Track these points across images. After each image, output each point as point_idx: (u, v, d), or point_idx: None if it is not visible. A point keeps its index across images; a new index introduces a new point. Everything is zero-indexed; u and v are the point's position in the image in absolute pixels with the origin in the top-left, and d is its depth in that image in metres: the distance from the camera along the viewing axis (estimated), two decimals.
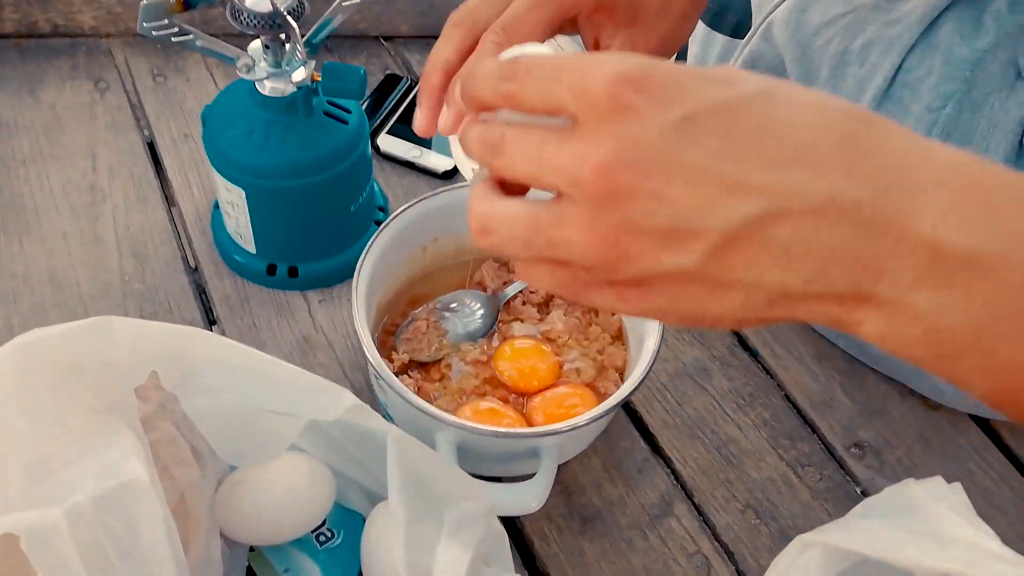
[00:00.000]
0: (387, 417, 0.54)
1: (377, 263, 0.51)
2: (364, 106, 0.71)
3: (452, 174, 0.68)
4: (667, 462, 0.55)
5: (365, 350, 0.47)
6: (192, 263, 0.61)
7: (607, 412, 0.47)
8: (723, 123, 0.26)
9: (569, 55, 0.27)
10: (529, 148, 0.27)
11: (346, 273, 0.59)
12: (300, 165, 0.52)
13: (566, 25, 0.40)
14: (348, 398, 0.40)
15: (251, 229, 0.56)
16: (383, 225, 0.52)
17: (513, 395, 0.52)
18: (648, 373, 0.48)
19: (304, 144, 0.52)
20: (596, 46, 0.43)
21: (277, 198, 0.53)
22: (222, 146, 0.53)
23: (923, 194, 0.26)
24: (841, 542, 0.28)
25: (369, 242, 0.51)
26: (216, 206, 0.61)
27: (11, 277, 0.58)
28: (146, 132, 0.68)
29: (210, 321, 0.58)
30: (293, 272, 0.58)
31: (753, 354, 0.61)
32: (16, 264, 0.59)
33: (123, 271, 0.59)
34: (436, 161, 0.68)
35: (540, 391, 0.52)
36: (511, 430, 0.45)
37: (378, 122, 0.70)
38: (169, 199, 0.64)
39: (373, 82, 0.74)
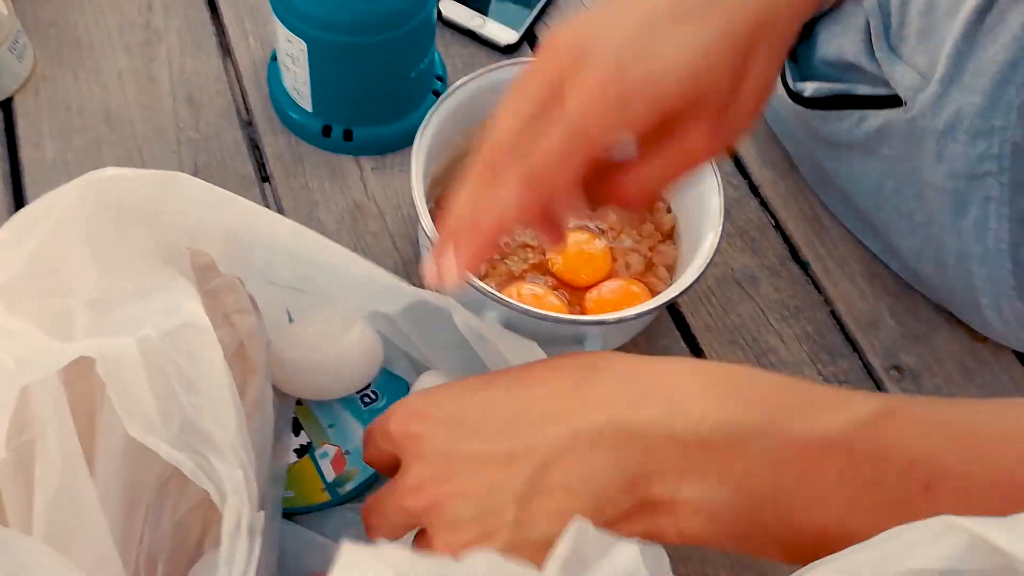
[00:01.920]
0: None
1: (435, 134, 0.50)
2: None
3: (515, 48, 0.65)
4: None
5: (421, 222, 0.46)
6: (246, 116, 0.60)
7: (655, 309, 0.46)
8: (484, 414, 0.32)
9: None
10: (378, 507, 0.34)
11: (400, 141, 0.58)
12: (368, 20, 0.50)
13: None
14: (409, 293, 0.40)
15: (309, 86, 0.54)
16: (445, 95, 0.50)
17: (559, 285, 0.52)
18: (702, 275, 0.47)
19: None
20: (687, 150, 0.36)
21: (340, 54, 0.52)
22: None
23: (648, 399, 0.31)
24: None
25: (430, 111, 0.50)
26: (273, 59, 0.59)
27: (66, 110, 0.57)
28: None
29: (263, 177, 0.57)
30: (348, 135, 0.57)
31: (803, 266, 0.60)
32: (71, 98, 0.58)
33: (177, 116, 0.58)
34: (498, 32, 0.65)
35: (588, 285, 0.52)
36: (562, 315, 0.45)
37: None
38: (225, 47, 0.62)
39: None
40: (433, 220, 0.51)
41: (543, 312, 0.45)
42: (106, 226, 0.35)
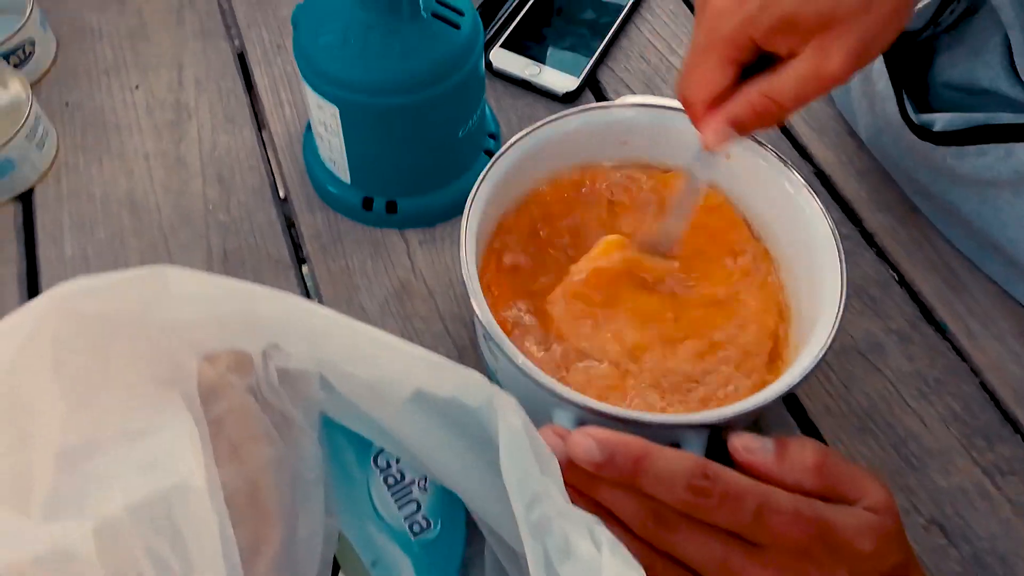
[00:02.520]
0: (495, 382, 0.46)
1: (489, 200, 0.43)
2: None
3: (574, 96, 0.58)
4: None
5: (474, 307, 0.39)
6: (282, 193, 0.54)
7: (764, 404, 0.37)
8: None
9: (761, 488, 0.31)
10: (712, 548, 0.31)
11: (451, 210, 0.51)
12: (403, 78, 0.43)
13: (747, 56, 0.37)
14: (481, 389, 0.32)
15: (345, 155, 0.48)
16: (498, 155, 0.43)
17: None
18: (822, 358, 0.38)
19: (408, 52, 0.43)
20: (789, 55, 0.36)
21: (375, 118, 0.45)
22: (314, 55, 0.44)
23: None
24: None
25: (481, 175, 0.42)
26: (309, 128, 0.53)
27: (89, 200, 0.53)
28: (236, 42, 0.61)
29: (299, 260, 0.51)
30: (391, 207, 0.50)
31: (941, 329, 0.49)
32: (95, 186, 0.53)
33: (207, 198, 0.53)
34: (556, 80, 0.58)
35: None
36: (645, 416, 0.37)
37: (491, 34, 0.60)
38: (259, 119, 0.57)
39: None
40: (486, 292, 0.43)
41: (625, 413, 0.37)
42: (80, 350, 0.28)
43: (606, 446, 0.32)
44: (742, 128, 0.37)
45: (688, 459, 0.31)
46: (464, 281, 0.39)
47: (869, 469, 0.44)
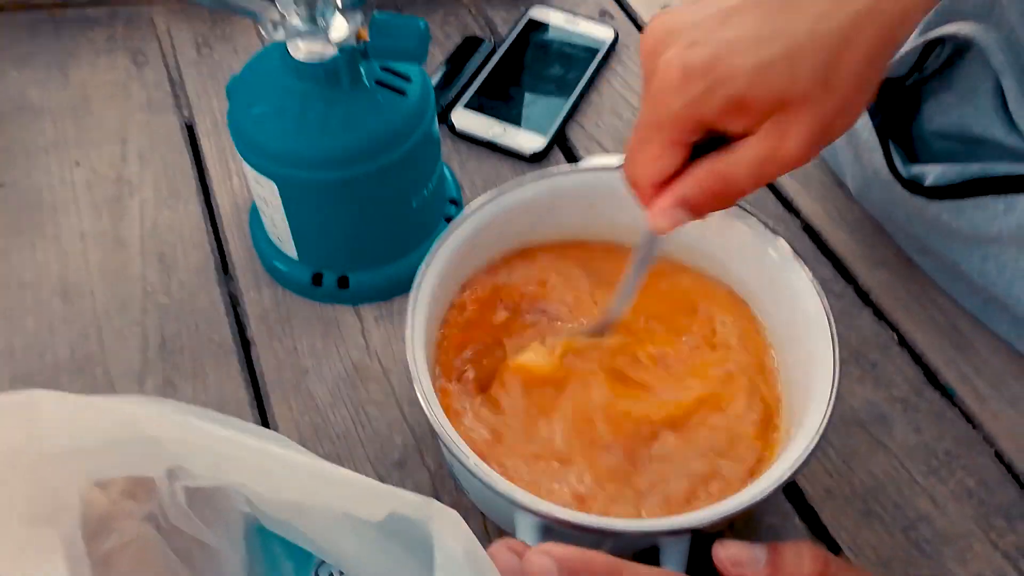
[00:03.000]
0: (455, 480, 0.42)
1: (445, 273, 0.39)
2: (437, 77, 0.58)
3: (542, 156, 0.55)
4: (832, 548, 0.40)
5: (420, 399, 0.35)
6: (227, 271, 0.50)
7: (758, 500, 0.33)
8: None
9: None
10: None
11: (408, 283, 0.46)
12: (344, 151, 0.40)
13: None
14: (417, 510, 0.28)
15: (289, 231, 0.44)
16: (454, 223, 0.39)
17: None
18: (820, 440, 0.33)
19: (349, 123, 0.40)
20: (744, 133, 0.32)
21: (317, 193, 0.42)
22: (247, 127, 0.41)
23: None
24: None
25: (434, 246, 0.39)
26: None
27: (19, 287, 0.49)
28: (185, 113, 0.58)
29: (243, 342, 0.47)
30: (343, 282, 0.47)
31: (948, 394, 0.45)
32: (26, 272, 0.50)
33: (146, 280, 0.49)
34: (522, 140, 0.55)
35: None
36: (618, 524, 0.32)
37: (453, 94, 0.57)
38: (206, 191, 0.54)
39: (449, 47, 0.61)
40: (445, 376, 0.39)
41: (594, 522, 0.32)
42: None
43: (567, 565, 0.27)
44: (694, 210, 0.34)
45: None
46: (408, 364, 0.35)
47: (878, 571, 0.39)
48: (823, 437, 0.34)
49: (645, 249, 0.37)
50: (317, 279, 0.47)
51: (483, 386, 0.40)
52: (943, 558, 0.40)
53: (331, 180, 0.40)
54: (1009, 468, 0.42)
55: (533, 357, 0.39)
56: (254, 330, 0.47)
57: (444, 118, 0.56)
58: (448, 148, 0.55)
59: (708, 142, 0.33)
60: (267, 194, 0.43)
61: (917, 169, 0.44)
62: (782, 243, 0.39)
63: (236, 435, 0.29)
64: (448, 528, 0.28)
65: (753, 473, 0.37)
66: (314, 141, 0.40)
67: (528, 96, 0.58)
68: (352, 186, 0.41)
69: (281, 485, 0.29)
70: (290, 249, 0.46)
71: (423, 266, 0.38)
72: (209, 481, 0.30)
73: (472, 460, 0.33)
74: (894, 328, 0.47)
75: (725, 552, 0.29)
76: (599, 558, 0.27)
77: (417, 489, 0.42)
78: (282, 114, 0.40)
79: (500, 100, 0.57)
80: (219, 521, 0.33)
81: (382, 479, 0.42)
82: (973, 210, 0.41)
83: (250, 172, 0.43)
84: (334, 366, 0.46)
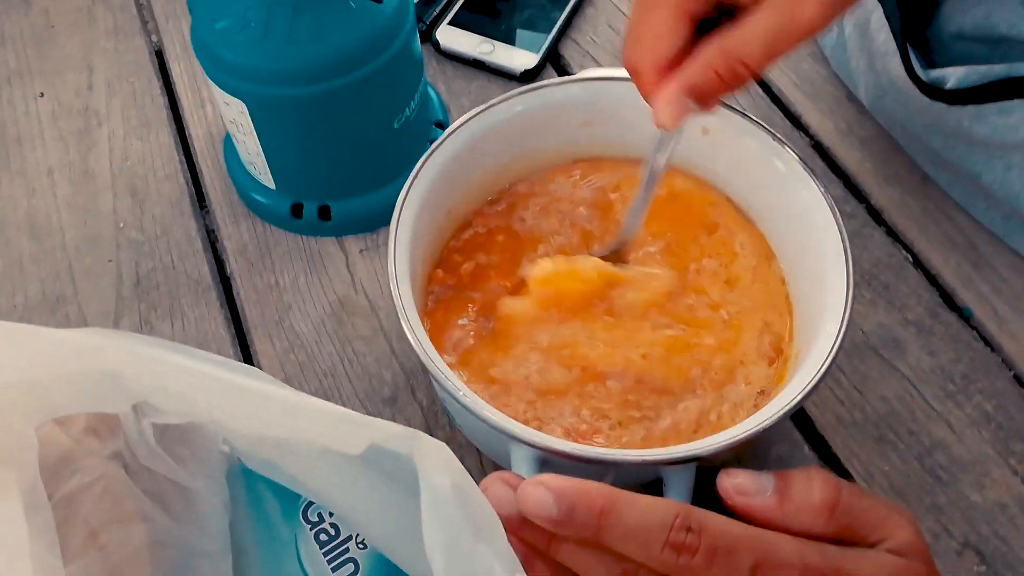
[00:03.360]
0: (448, 416, 0.40)
1: (428, 197, 0.36)
2: None
3: (534, 74, 0.51)
4: (845, 476, 0.38)
5: (406, 331, 0.32)
6: (203, 204, 0.47)
7: (761, 429, 0.30)
8: None
9: (759, 537, 0.25)
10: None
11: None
12: (315, 64, 0.37)
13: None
14: (401, 442, 0.26)
15: (264, 157, 0.42)
16: (437, 143, 0.37)
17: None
18: (828, 368, 0.31)
19: (319, 35, 0.37)
20: (753, 2, 0.29)
21: (288, 112, 0.39)
22: (211, 42, 0.38)
23: None
24: None
25: (416, 167, 0.36)
26: None
27: None
28: (154, 37, 0.55)
29: (222, 278, 0.45)
30: (324, 213, 0.44)
31: (964, 315, 0.43)
32: None
33: (117, 215, 0.47)
34: (512, 58, 0.51)
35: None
36: (618, 455, 0.30)
37: (437, 11, 0.54)
38: (178, 120, 0.51)
39: None
40: (428, 317, 0.37)
41: (594, 451, 0.30)
42: None
43: (564, 497, 0.25)
44: (702, 97, 0.31)
45: (665, 509, 0.25)
46: (392, 295, 0.33)
47: (892, 499, 0.37)
48: (834, 362, 0.31)
49: (655, 156, 0.34)
50: (297, 210, 0.44)
51: (478, 316, 0.37)
52: (960, 485, 0.38)
53: (302, 96, 0.37)
54: None
55: (557, 267, 0.36)
56: (233, 265, 0.45)
57: (428, 36, 0.52)
58: (433, 68, 0.52)
59: (712, 20, 0.30)
60: (237, 116, 0.40)
61: (937, 73, 0.41)
62: (788, 151, 0.36)
63: (207, 367, 0.27)
64: (435, 461, 0.26)
65: (760, 402, 0.35)
66: (281, 54, 0.37)
67: (518, 11, 0.54)
68: (325, 103, 0.38)
69: (256, 420, 0.27)
70: (267, 179, 0.44)
71: (404, 189, 0.35)
72: (179, 417, 0.29)
73: (463, 392, 0.31)
74: (908, 248, 0.45)
75: (730, 481, 0.27)
76: (598, 489, 0.25)
77: (409, 425, 0.39)
78: (246, 27, 0.37)
79: (488, 16, 0.53)
80: (195, 460, 0.31)
81: (372, 416, 0.40)
82: (997, 115, 0.38)
83: (218, 93, 0.40)
84: (318, 301, 0.43)
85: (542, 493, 0.26)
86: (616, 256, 0.38)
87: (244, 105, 0.39)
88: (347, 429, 0.26)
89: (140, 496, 0.27)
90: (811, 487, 0.27)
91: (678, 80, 0.30)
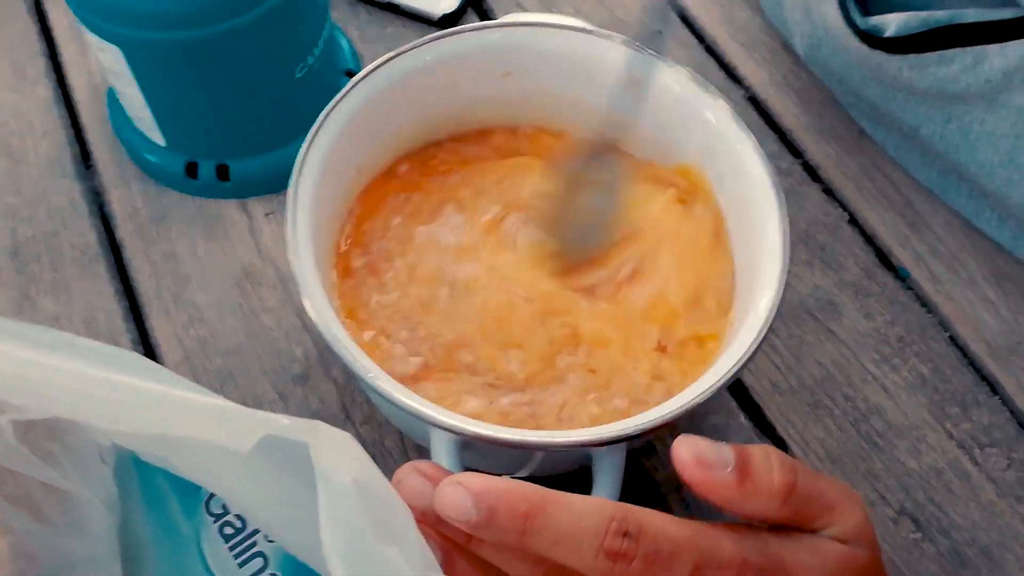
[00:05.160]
0: (365, 394, 0.37)
1: (331, 153, 0.33)
2: None
3: (454, 19, 0.47)
4: (780, 445, 0.37)
5: (306, 306, 0.29)
6: (87, 163, 0.43)
7: (699, 401, 0.29)
8: None
9: (698, 537, 0.24)
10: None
11: None
12: (197, 4, 0.33)
13: None
14: (296, 435, 0.23)
15: (149, 110, 0.37)
16: (342, 92, 0.33)
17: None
18: (763, 340, 0.29)
19: None
20: None
21: (171, 59, 0.34)
22: None
23: None
24: None
25: (319, 120, 0.32)
26: None
27: None
28: None
29: (112, 247, 0.40)
30: (223, 172, 0.40)
31: (900, 276, 0.42)
32: None
33: None
34: (431, 2, 0.47)
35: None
36: (542, 437, 0.28)
37: None
38: (58, 71, 0.45)
39: None
40: (336, 285, 0.33)
41: (514, 434, 0.28)
42: None
43: (484, 500, 0.23)
44: None
45: (599, 511, 0.23)
46: (293, 269, 0.29)
47: (828, 467, 0.36)
48: (770, 328, 0.29)
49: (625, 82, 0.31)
50: (192, 169, 0.40)
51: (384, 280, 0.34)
52: (896, 451, 0.37)
53: (185, 41, 0.33)
54: (964, 352, 0.40)
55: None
56: (123, 232, 0.40)
57: None
58: (343, 12, 0.48)
59: None
60: (115, 65, 0.35)
61: (875, 20, 0.39)
62: (720, 102, 0.34)
63: (67, 362, 0.23)
64: (333, 453, 0.23)
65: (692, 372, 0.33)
66: None
67: None
68: (213, 49, 0.34)
69: (132, 418, 0.24)
70: (156, 135, 0.39)
71: (304, 145, 0.32)
72: (41, 413, 0.25)
73: (373, 375, 0.28)
74: (844, 206, 0.43)
75: (689, 449, 0.25)
76: (523, 489, 0.23)
77: (323, 405, 0.37)
78: None
79: None
80: (69, 457, 0.28)
81: (282, 396, 0.37)
82: (938, 64, 0.37)
83: (91, 38, 0.35)
84: (220, 271, 0.40)
85: (460, 494, 0.23)
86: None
87: (120, 51, 0.34)
88: (234, 425, 0.23)
89: (0, 504, 0.23)
90: (771, 470, 0.25)
91: None
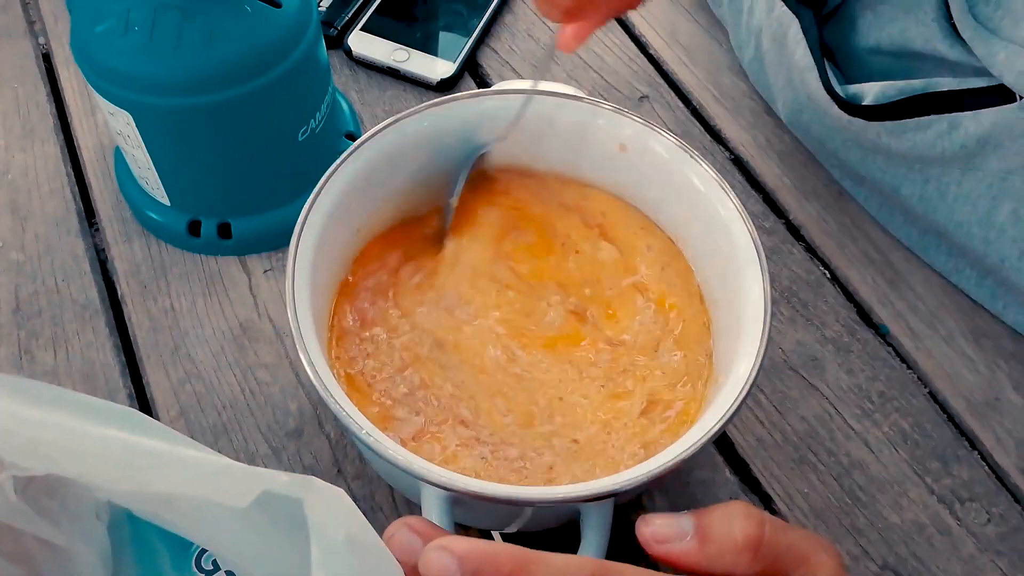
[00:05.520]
0: (358, 450, 0.37)
1: (333, 215, 0.34)
2: None
3: (451, 84, 0.49)
4: (764, 500, 0.38)
5: (303, 360, 0.30)
6: (91, 221, 0.44)
7: (684, 456, 0.29)
8: None
9: None
10: None
11: None
12: (206, 72, 0.34)
13: None
14: (289, 491, 0.23)
15: (155, 171, 0.39)
16: (343, 157, 0.34)
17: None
18: (745, 397, 0.30)
19: (211, 40, 0.34)
20: None
21: (179, 124, 0.36)
22: (92, 46, 0.35)
23: None
24: None
25: (319, 184, 0.34)
26: None
27: None
28: (41, 39, 0.51)
29: (112, 302, 0.41)
30: (224, 231, 0.41)
31: (880, 332, 0.43)
32: None
33: None
34: (428, 66, 0.49)
35: None
36: (531, 493, 0.29)
37: (350, 15, 0.51)
38: (66, 130, 0.47)
39: None
40: (335, 345, 0.34)
41: (502, 490, 0.28)
42: None
43: (468, 562, 0.24)
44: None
45: (578, 568, 0.23)
46: (291, 327, 0.30)
47: (812, 522, 0.37)
48: (754, 384, 0.30)
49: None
50: (194, 227, 0.41)
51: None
52: (878, 505, 0.38)
53: (192, 107, 0.35)
54: (943, 408, 0.41)
55: None
56: (124, 288, 0.42)
57: (340, 42, 0.50)
58: (345, 76, 0.49)
59: None
60: (124, 128, 0.37)
61: (854, 89, 0.41)
62: (704, 167, 0.35)
63: (67, 418, 0.24)
64: (327, 509, 0.24)
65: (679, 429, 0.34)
66: (168, 61, 0.34)
67: (434, 17, 0.52)
68: (219, 115, 0.35)
69: (129, 476, 0.25)
70: (160, 194, 0.40)
71: (306, 206, 0.33)
72: (41, 470, 0.26)
73: (366, 431, 0.29)
74: (826, 264, 0.45)
75: (648, 529, 0.26)
76: (506, 551, 0.24)
77: (316, 460, 0.37)
78: (130, 30, 0.34)
79: (403, 21, 0.51)
80: (67, 513, 0.28)
81: (276, 451, 0.37)
82: (915, 130, 0.38)
83: (102, 102, 0.36)
84: (218, 326, 0.41)
85: (444, 558, 0.24)
86: None
87: (130, 116, 0.36)
88: (231, 481, 0.24)
89: None
90: (732, 525, 0.26)
91: None
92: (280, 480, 0.24)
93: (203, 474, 0.24)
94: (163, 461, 0.23)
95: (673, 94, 0.51)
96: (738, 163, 0.48)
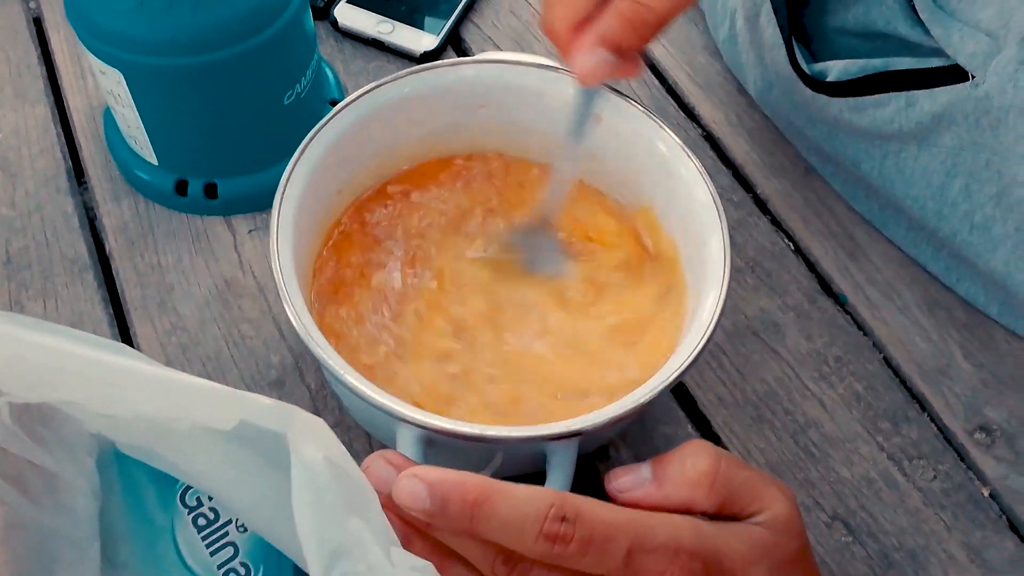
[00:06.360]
0: (337, 399, 0.39)
1: (315, 176, 0.36)
2: None
3: (434, 56, 0.51)
4: None
5: (288, 313, 0.32)
6: (81, 179, 0.45)
7: (645, 400, 0.31)
8: None
9: (632, 522, 0.26)
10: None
11: None
12: (196, 33, 0.36)
13: None
14: (272, 416, 0.25)
15: (144, 130, 0.40)
16: (324, 120, 0.36)
17: None
18: (705, 345, 0.32)
19: (200, 2, 0.35)
20: None
21: (168, 83, 0.37)
22: (85, 6, 0.36)
23: None
24: None
25: (302, 145, 0.35)
26: None
27: None
28: (31, 3, 0.52)
29: (101, 258, 0.43)
30: (211, 191, 0.43)
31: (839, 301, 0.45)
32: None
33: None
34: (412, 38, 0.51)
35: None
36: (499, 431, 0.30)
37: None
38: (57, 92, 0.48)
39: None
40: (317, 300, 0.36)
41: (476, 430, 0.30)
42: None
43: (437, 490, 0.25)
44: (615, 45, 0.32)
45: (540, 498, 0.25)
46: (275, 278, 0.32)
47: (770, 473, 0.39)
48: (710, 341, 0.32)
49: (577, 120, 0.35)
50: (181, 187, 0.43)
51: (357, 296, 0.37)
52: (831, 461, 0.40)
53: (182, 67, 0.36)
54: (896, 372, 0.43)
55: None
56: (112, 244, 0.43)
57: (327, 14, 0.51)
58: (331, 47, 0.51)
59: None
60: (114, 87, 0.38)
61: (820, 66, 0.42)
62: (668, 134, 0.37)
63: (62, 343, 0.26)
64: (308, 435, 0.25)
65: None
66: (160, 21, 0.35)
67: None
68: (207, 76, 0.37)
69: (121, 398, 0.26)
70: (149, 154, 0.42)
71: (289, 166, 0.34)
72: (35, 397, 0.27)
73: (346, 372, 0.31)
74: (790, 237, 0.47)
75: (614, 484, 0.29)
76: (473, 480, 0.26)
77: None
78: None
79: None
80: (59, 443, 0.30)
81: None
82: (874, 107, 0.40)
83: (94, 61, 0.38)
84: (203, 282, 0.42)
85: (415, 485, 0.26)
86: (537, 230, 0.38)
87: (121, 75, 0.37)
88: (217, 403, 0.25)
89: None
90: (686, 463, 0.28)
91: (593, 31, 0.32)
92: (263, 403, 0.25)
93: (189, 395, 0.25)
94: (150, 383, 0.25)
95: (650, 72, 0.53)
96: (710, 139, 0.50)
